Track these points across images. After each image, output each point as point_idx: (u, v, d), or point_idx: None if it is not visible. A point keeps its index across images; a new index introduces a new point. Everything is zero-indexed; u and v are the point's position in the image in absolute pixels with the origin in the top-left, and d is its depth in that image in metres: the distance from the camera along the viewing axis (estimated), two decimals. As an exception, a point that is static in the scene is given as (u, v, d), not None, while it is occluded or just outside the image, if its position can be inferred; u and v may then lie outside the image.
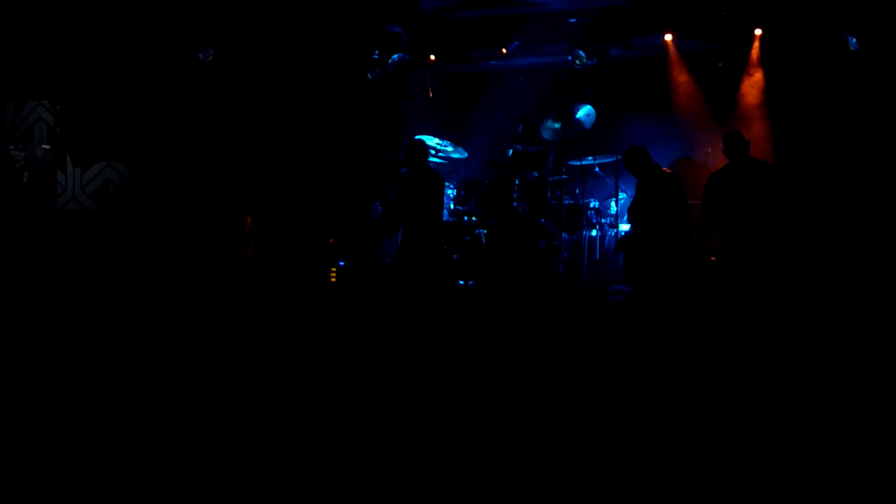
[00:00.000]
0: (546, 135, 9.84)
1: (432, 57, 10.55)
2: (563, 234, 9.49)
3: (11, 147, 11.25)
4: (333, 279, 9.70)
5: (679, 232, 8.37)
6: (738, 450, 4.27)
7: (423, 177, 8.56)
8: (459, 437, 4.55)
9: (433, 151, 9.61)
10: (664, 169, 8.66)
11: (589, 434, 4.63)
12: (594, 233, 9.57)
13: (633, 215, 8.73)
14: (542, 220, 9.46)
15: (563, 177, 9.61)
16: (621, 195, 9.46)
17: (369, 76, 10.14)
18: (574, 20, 9.84)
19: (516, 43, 10.18)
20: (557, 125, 9.77)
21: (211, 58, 9.95)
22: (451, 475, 4.03)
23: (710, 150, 9.52)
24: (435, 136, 9.79)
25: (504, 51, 10.22)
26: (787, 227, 7.89)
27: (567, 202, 9.56)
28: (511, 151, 9.93)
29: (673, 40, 9.90)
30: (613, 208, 9.49)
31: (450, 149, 9.89)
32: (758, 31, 9.51)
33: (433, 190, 8.61)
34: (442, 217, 9.02)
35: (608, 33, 9.77)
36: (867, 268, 8.21)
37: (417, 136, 9.36)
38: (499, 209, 9.45)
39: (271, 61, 10.36)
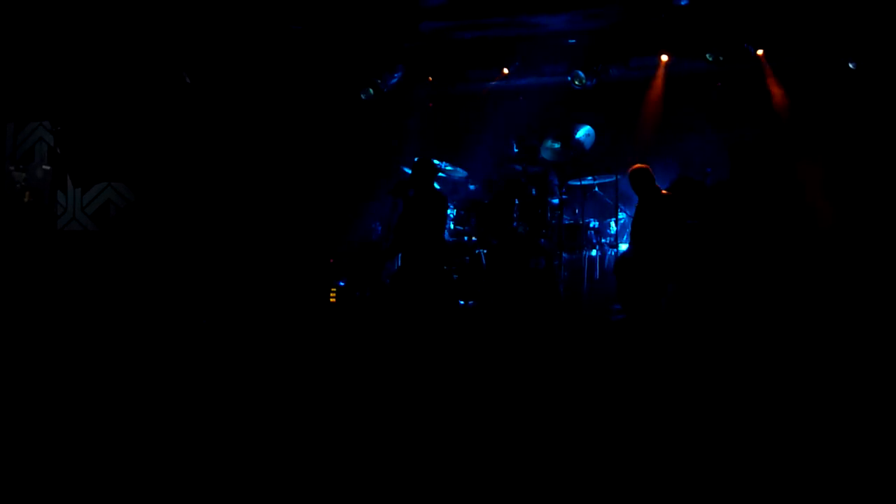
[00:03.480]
0: (546, 155, 9.88)
1: (432, 77, 10.60)
2: (563, 254, 9.49)
3: (12, 168, 11.26)
4: (333, 299, 9.69)
5: (676, 252, 8.39)
6: (734, 472, 4.27)
7: (428, 197, 8.58)
8: (459, 452, 4.56)
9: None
10: (662, 191, 8.69)
11: (587, 451, 4.64)
12: (594, 252, 9.58)
13: (634, 235, 8.76)
14: (542, 239, 9.47)
15: (563, 197, 9.63)
16: (621, 215, 9.48)
17: (362, 97, 10.19)
18: (573, 41, 9.88)
19: (516, 63, 10.23)
20: (557, 145, 9.81)
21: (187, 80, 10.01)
22: (451, 492, 4.03)
23: (709, 169, 9.54)
24: (435, 155, 9.81)
25: (504, 71, 10.28)
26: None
27: (567, 222, 9.58)
28: (511, 171, 9.96)
29: (671, 60, 9.94)
30: (613, 228, 9.51)
31: (449, 168, 9.92)
32: (759, 52, 9.55)
33: (437, 211, 8.63)
34: (443, 238, 9.04)
35: (607, 54, 9.81)
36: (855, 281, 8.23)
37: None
38: (499, 229, 9.46)
39: (273, 82, 10.40)
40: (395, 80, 10.13)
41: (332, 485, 4.17)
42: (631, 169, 8.71)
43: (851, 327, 7.21)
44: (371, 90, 10.22)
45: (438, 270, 8.73)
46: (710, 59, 9.46)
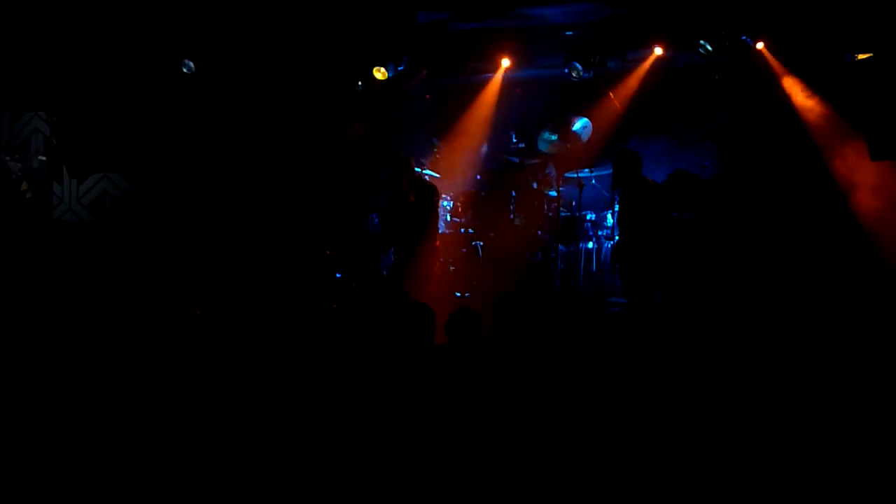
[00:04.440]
0: (543, 147, 9.86)
1: (429, 69, 10.56)
2: (560, 247, 9.50)
3: (8, 158, 11.22)
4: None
5: (668, 245, 8.40)
6: (734, 470, 4.27)
7: (415, 189, 8.58)
8: (456, 447, 4.56)
9: (418, 170, 9.53)
10: (647, 180, 8.71)
11: (584, 445, 4.64)
12: (590, 245, 9.59)
13: (620, 224, 8.82)
14: (539, 232, 9.47)
15: (560, 189, 9.62)
16: (617, 207, 9.46)
17: (358, 88, 10.16)
18: (570, 33, 9.85)
19: (513, 55, 10.20)
20: (554, 137, 9.80)
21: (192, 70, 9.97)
22: (449, 489, 4.04)
23: (707, 162, 9.53)
24: (431, 148, 9.85)
25: (503, 63, 10.23)
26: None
27: (563, 214, 9.58)
28: (508, 163, 9.95)
29: (668, 53, 9.88)
30: (610, 220, 9.51)
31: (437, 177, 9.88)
32: (759, 45, 9.48)
33: (426, 202, 8.62)
34: (436, 229, 9.03)
35: (604, 46, 9.78)
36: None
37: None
38: (495, 221, 9.45)
39: (270, 74, 10.36)
40: (393, 75, 10.09)
41: (329, 482, 4.17)
42: (620, 150, 8.71)
43: (851, 325, 7.20)
44: (362, 83, 10.18)
45: (431, 262, 8.74)
46: (703, 51, 9.41)
